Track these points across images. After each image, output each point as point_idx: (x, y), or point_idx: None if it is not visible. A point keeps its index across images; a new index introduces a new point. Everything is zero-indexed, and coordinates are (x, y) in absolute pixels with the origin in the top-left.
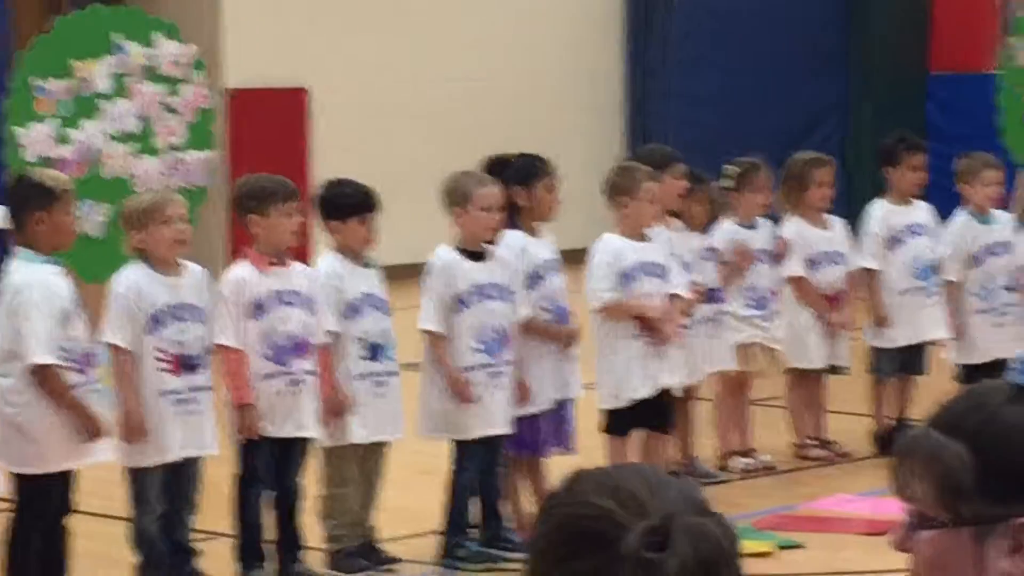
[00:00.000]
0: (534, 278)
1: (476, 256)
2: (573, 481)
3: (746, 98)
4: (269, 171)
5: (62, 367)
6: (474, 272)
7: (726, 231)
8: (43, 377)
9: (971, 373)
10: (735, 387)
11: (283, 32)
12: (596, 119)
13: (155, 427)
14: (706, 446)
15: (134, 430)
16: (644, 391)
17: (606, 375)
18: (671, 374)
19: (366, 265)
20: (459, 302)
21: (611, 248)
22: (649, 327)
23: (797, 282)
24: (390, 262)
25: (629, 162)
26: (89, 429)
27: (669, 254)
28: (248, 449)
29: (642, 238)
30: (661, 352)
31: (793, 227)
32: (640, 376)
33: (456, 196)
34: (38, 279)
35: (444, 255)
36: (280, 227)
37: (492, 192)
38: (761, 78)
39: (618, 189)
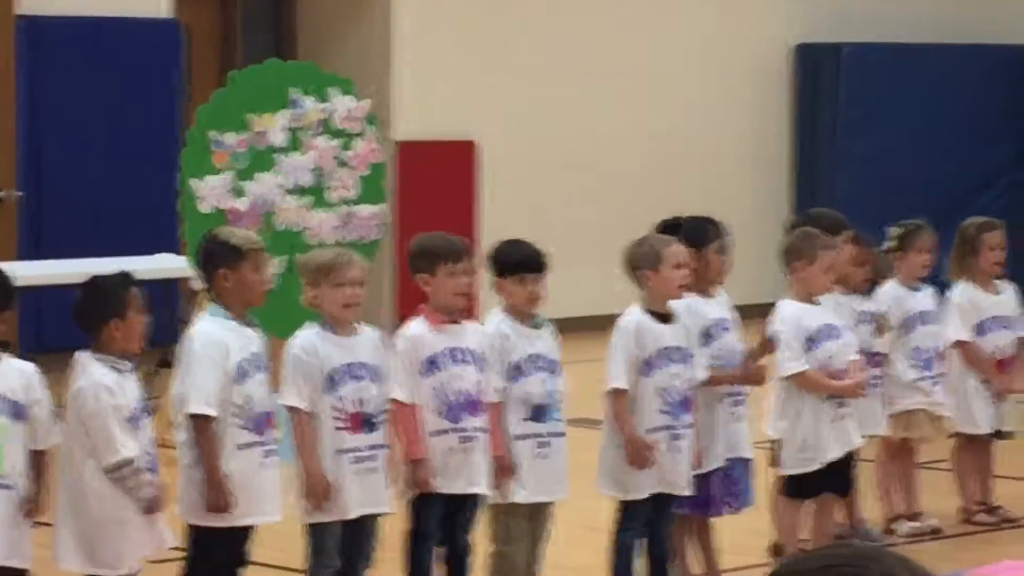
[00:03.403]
0: (705, 338)
1: (662, 318)
2: None
3: (913, 158)
4: (437, 224)
5: (212, 418)
6: (663, 335)
7: (889, 293)
8: (195, 427)
9: None
10: (900, 452)
11: (453, 85)
12: (764, 178)
13: (334, 485)
14: (873, 508)
15: (316, 493)
16: (836, 452)
17: (793, 439)
18: (857, 434)
19: (536, 325)
20: (646, 364)
21: (791, 316)
22: (839, 393)
23: (964, 347)
24: (552, 316)
25: (807, 227)
26: (215, 498)
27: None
28: (419, 504)
29: (812, 303)
30: (847, 413)
31: (962, 292)
32: (832, 438)
33: (647, 257)
34: (207, 331)
35: (635, 316)
36: (446, 287)
37: (680, 250)
38: (929, 138)
39: (796, 254)
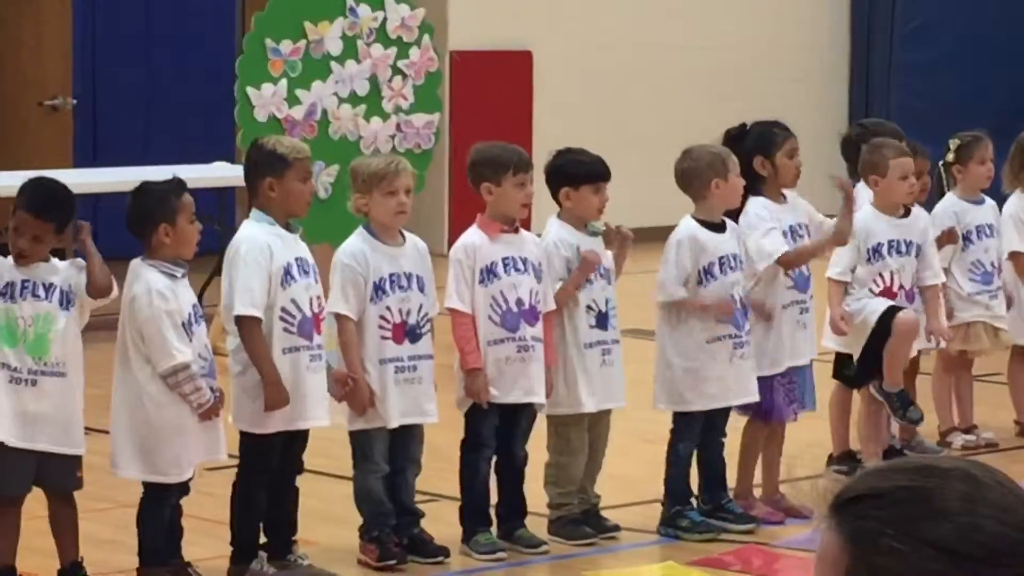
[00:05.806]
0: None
1: (715, 227)
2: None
3: (969, 69)
4: (492, 134)
5: (259, 319)
6: (720, 244)
7: (948, 206)
8: (243, 330)
9: None
10: (956, 364)
11: None
12: (820, 90)
13: (376, 393)
14: (928, 421)
15: (360, 399)
16: None
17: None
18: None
19: (593, 233)
20: (704, 273)
21: (859, 224)
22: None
23: (1019, 258)
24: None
25: (876, 139)
26: (272, 396)
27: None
28: (475, 414)
29: (899, 214)
30: None
31: (1017, 202)
32: None
33: (715, 167)
34: (251, 235)
35: (689, 227)
36: (510, 197)
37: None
38: (985, 49)
39: (869, 168)
